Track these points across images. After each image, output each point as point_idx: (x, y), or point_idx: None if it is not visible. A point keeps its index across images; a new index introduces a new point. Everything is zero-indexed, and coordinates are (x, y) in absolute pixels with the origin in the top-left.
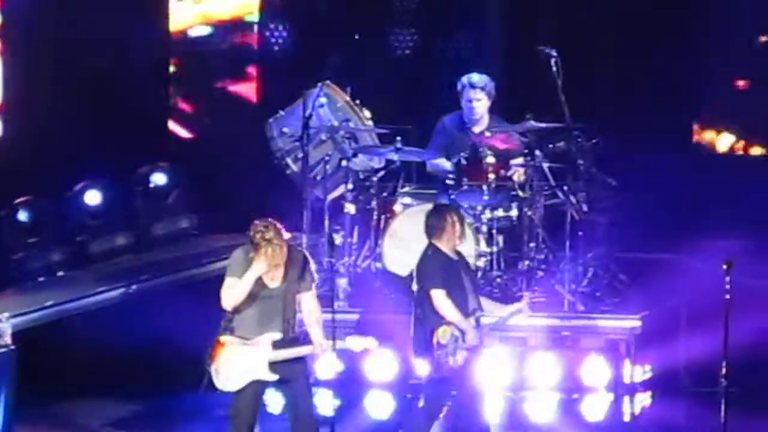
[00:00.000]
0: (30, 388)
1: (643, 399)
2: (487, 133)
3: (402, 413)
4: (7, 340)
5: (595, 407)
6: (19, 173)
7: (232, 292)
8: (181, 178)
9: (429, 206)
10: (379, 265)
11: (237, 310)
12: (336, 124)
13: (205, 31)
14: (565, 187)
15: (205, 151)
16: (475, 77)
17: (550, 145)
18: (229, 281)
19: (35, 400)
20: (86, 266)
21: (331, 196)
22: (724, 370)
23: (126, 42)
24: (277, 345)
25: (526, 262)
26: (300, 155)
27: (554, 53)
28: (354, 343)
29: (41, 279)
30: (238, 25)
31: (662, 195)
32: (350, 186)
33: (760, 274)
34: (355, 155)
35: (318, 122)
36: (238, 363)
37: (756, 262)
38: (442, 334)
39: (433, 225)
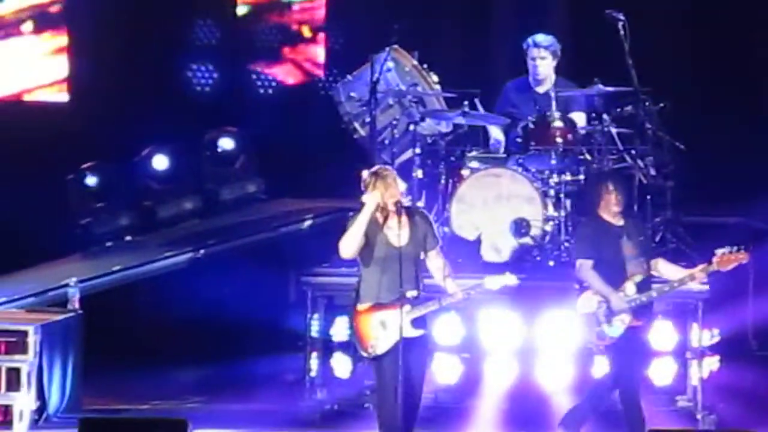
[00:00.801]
0: (97, 353)
1: (711, 363)
2: (552, 93)
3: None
4: (75, 304)
5: (663, 371)
6: (87, 138)
7: (347, 235)
8: (249, 143)
9: (496, 170)
10: (446, 229)
11: (366, 272)
12: (403, 88)
13: None
14: (633, 151)
15: (273, 115)
16: (540, 37)
17: (618, 109)
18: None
19: (102, 365)
20: (153, 231)
21: (398, 161)
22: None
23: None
24: (414, 302)
25: None
26: (368, 120)
27: (621, 17)
28: (493, 282)
29: (109, 244)
30: None
31: (730, 158)
32: (418, 150)
33: None
34: (422, 119)
35: (385, 86)
36: (382, 327)
37: None
38: (583, 304)
39: (591, 194)
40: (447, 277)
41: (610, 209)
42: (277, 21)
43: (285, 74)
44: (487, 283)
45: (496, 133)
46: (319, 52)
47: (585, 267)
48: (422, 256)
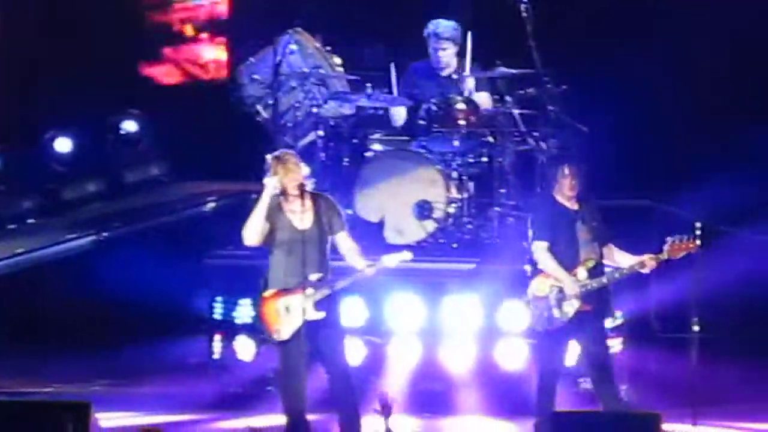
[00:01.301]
0: (0, 336)
1: (614, 345)
2: (454, 76)
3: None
4: None
5: (568, 353)
6: None
7: (248, 223)
8: (152, 126)
9: (399, 153)
10: (350, 211)
11: (272, 258)
12: (306, 70)
13: None
14: (536, 133)
15: (175, 98)
16: (441, 27)
17: (521, 91)
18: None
19: (5, 348)
20: (57, 214)
21: (301, 143)
22: (695, 317)
23: None
24: (317, 284)
25: (497, 209)
26: (270, 102)
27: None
28: (390, 260)
29: (12, 226)
30: None
31: (633, 139)
32: (321, 133)
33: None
34: (325, 102)
35: (288, 69)
36: (286, 311)
37: (730, 207)
38: (538, 287)
39: (550, 175)
40: (357, 255)
41: (565, 193)
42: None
43: (164, 75)
44: (384, 261)
45: (399, 113)
46: (203, 52)
47: (540, 249)
48: (329, 239)
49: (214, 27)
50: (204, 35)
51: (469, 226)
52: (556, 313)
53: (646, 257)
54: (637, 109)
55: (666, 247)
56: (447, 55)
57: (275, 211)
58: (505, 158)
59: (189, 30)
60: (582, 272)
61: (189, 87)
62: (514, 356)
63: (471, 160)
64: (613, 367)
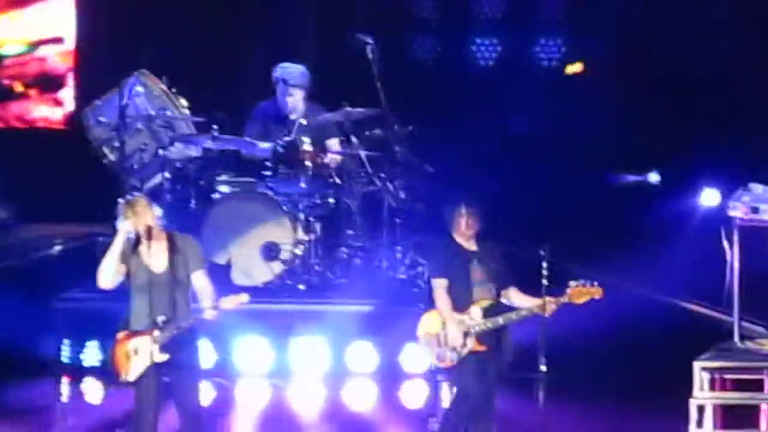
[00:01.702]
0: None
1: None
2: (303, 120)
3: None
4: None
5: (415, 393)
6: None
7: (101, 267)
8: None
9: (245, 194)
10: None
11: (131, 301)
12: (153, 113)
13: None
14: (382, 174)
15: (16, 141)
16: (290, 73)
17: (367, 132)
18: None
19: None
20: None
21: (148, 185)
22: (543, 357)
23: None
24: (165, 325)
25: (344, 250)
26: (117, 144)
27: (370, 40)
28: (228, 302)
29: None
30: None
31: (479, 180)
32: (167, 175)
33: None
34: (171, 144)
35: (135, 111)
36: (134, 353)
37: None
38: (430, 324)
39: (446, 215)
40: (206, 298)
41: (463, 232)
42: None
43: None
44: (222, 303)
45: (262, 144)
46: (33, 109)
47: (438, 286)
48: (186, 279)
49: (44, 82)
50: (32, 92)
51: (317, 268)
52: (447, 352)
53: (545, 300)
54: (485, 149)
55: (568, 291)
56: (295, 101)
57: (130, 255)
58: (353, 199)
59: (18, 87)
60: (476, 312)
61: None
62: (363, 397)
63: (318, 201)
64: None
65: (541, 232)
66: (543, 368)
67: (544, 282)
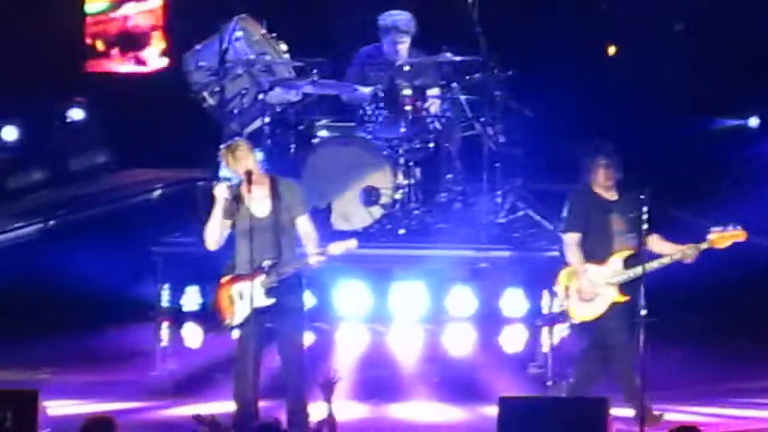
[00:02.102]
0: None
1: (562, 330)
2: (406, 67)
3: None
4: None
5: (514, 338)
6: None
7: (206, 230)
8: (98, 114)
9: (345, 139)
10: None
11: (236, 246)
12: (252, 57)
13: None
14: (482, 119)
15: (120, 86)
16: (400, 20)
17: (467, 77)
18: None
19: None
20: (2, 202)
21: (248, 130)
22: (643, 301)
23: None
24: (271, 269)
25: (444, 194)
26: (216, 89)
27: None
28: (336, 248)
29: None
30: None
31: (577, 126)
32: (267, 119)
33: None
34: (271, 88)
35: (234, 56)
36: (239, 298)
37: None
38: (563, 279)
39: (583, 165)
40: (310, 243)
41: (601, 183)
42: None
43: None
44: (330, 249)
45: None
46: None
47: (568, 241)
48: (291, 224)
49: (126, 41)
50: (114, 51)
51: (416, 212)
52: (586, 306)
53: (686, 247)
54: (587, 95)
55: (709, 237)
56: (403, 47)
57: (235, 201)
58: (452, 144)
59: (100, 45)
60: (616, 262)
61: (133, 76)
62: (462, 342)
63: (418, 146)
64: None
65: (642, 177)
66: (643, 312)
67: (644, 226)
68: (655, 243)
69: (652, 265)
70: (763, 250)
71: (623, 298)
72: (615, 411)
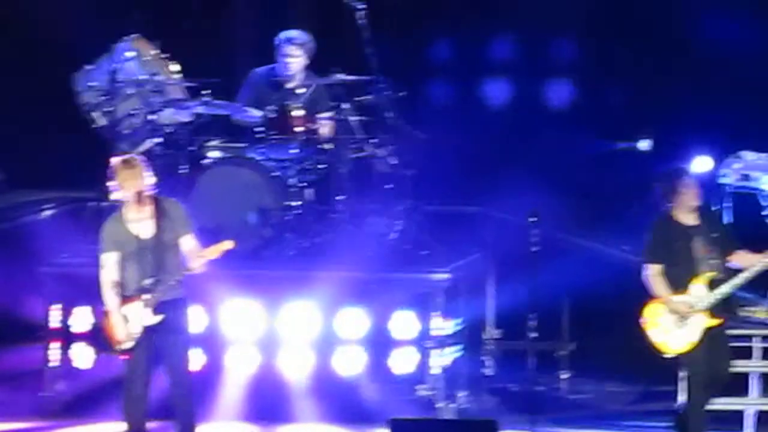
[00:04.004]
0: None
1: (452, 352)
2: (299, 89)
3: None
4: None
5: (405, 360)
6: None
7: (102, 271)
8: None
9: (236, 160)
10: None
11: (122, 271)
12: (144, 78)
13: None
14: (373, 140)
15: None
16: (295, 33)
17: (358, 99)
18: (101, 259)
19: None
20: None
21: (138, 150)
22: (532, 323)
23: None
24: (153, 287)
25: (335, 215)
26: (107, 109)
27: (360, 5)
28: (212, 251)
29: None
30: None
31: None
32: (158, 140)
33: (561, 227)
34: (162, 109)
35: (125, 76)
36: (126, 320)
37: (561, 214)
38: (649, 314)
39: (662, 192)
40: (194, 259)
41: (687, 205)
42: None
43: None
44: (207, 253)
45: (253, 111)
46: None
47: (651, 272)
48: (174, 244)
49: None
50: None
51: (308, 233)
52: (682, 333)
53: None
54: (473, 117)
55: None
56: (296, 63)
57: (117, 226)
58: (343, 165)
59: None
60: (699, 288)
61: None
62: (352, 363)
63: (309, 167)
64: None
65: (532, 201)
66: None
67: (533, 249)
68: (741, 258)
69: (736, 282)
70: None
71: (716, 321)
72: None
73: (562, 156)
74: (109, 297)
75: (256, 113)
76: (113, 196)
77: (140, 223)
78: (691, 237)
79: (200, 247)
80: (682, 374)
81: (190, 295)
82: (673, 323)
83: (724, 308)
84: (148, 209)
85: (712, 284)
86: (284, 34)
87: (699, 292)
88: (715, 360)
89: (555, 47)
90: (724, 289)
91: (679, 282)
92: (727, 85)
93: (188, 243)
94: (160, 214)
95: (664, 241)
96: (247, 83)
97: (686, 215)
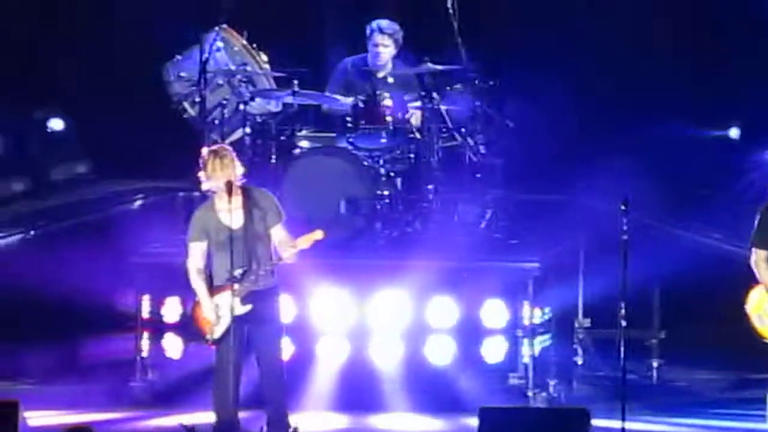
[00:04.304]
0: None
1: (543, 341)
2: (390, 79)
3: None
4: None
5: (495, 349)
6: None
7: (188, 260)
8: (78, 123)
9: (326, 149)
10: None
11: (213, 258)
12: (233, 68)
13: None
14: (463, 129)
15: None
16: (385, 23)
17: (448, 88)
18: (189, 247)
19: None
20: None
21: (228, 140)
22: (623, 311)
23: None
24: (243, 277)
25: (425, 205)
26: (197, 99)
27: None
28: (304, 241)
29: None
30: None
31: (557, 137)
32: (248, 130)
33: (651, 215)
34: (252, 99)
35: (215, 66)
36: (217, 310)
37: (650, 201)
38: (755, 301)
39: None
40: (285, 249)
41: None
42: None
43: None
44: (299, 243)
45: (344, 99)
46: None
47: (756, 257)
48: (264, 234)
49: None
50: None
51: (397, 222)
52: None
53: None
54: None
55: None
56: (386, 53)
57: (210, 212)
58: (433, 154)
59: None
60: None
61: (114, 84)
62: (443, 353)
63: (398, 156)
64: None
65: (623, 189)
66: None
67: (624, 237)
68: None
69: None
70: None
71: None
72: (597, 422)
73: (653, 143)
74: (198, 285)
75: (347, 101)
76: (204, 187)
77: (231, 212)
78: None
79: (291, 238)
80: None
81: (280, 284)
82: None
83: None
84: (239, 199)
85: None
86: (374, 23)
87: None
88: None
89: (646, 32)
90: None
91: None
92: None
93: (279, 233)
94: (250, 204)
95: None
96: (338, 72)
97: None
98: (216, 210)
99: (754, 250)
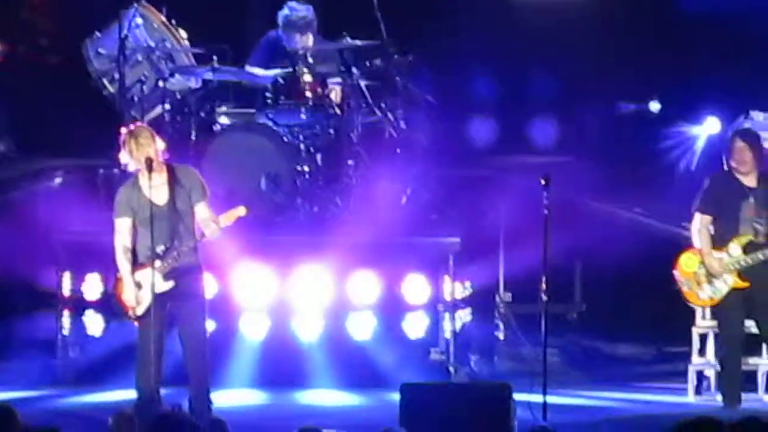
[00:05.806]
0: None
1: (464, 315)
2: (309, 58)
3: None
4: None
5: (416, 324)
6: None
7: (115, 236)
8: None
9: (246, 126)
10: None
11: (134, 236)
12: (152, 44)
13: None
14: (383, 105)
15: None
16: (297, 16)
17: (367, 63)
18: (115, 224)
19: None
20: None
21: (148, 117)
22: (544, 286)
23: None
24: (165, 254)
25: (345, 180)
26: (116, 76)
27: None
28: (226, 218)
29: None
30: None
31: (479, 111)
32: (167, 107)
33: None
34: (171, 75)
35: (134, 43)
36: (139, 287)
37: (572, 176)
38: (686, 263)
39: (725, 147)
40: (208, 226)
41: (735, 166)
42: None
43: None
44: (221, 220)
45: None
46: None
47: (697, 221)
48: (188, 210)
49: None
50: None
51: (318, 198)
52: (707, 290)
53: None
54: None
55: None
56: (300, 40)
57: (132, 192)
58: (353, 130)
59: None
60: (734, 248)
61: (29, 63)
62: (364, 327)
63: (318, 132)
64: None
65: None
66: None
67: (545, 212)
68: None
69: None
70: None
71: (743, 284)
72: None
73: (572, 117)
74: (122, 262)
75: (268, 74)
76: (125, 167)
77: (155, 189)
78: (744, 197)
79: (214, 215)
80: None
81: (202, 261)
82: (704, 277)
83: (759, 274)
84: (164, 176)
85: (748, 247)
86: (287, 14)
87: (735, 252)
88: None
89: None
90: (758, 255)
91: (721, 238)
92: (739, 45)
93: (203, 210)
94: (175, 181)
95: (718, 194)
96: (260, 47)
97: (746, 176)
98: (140, 187)
99: (697, 215)
